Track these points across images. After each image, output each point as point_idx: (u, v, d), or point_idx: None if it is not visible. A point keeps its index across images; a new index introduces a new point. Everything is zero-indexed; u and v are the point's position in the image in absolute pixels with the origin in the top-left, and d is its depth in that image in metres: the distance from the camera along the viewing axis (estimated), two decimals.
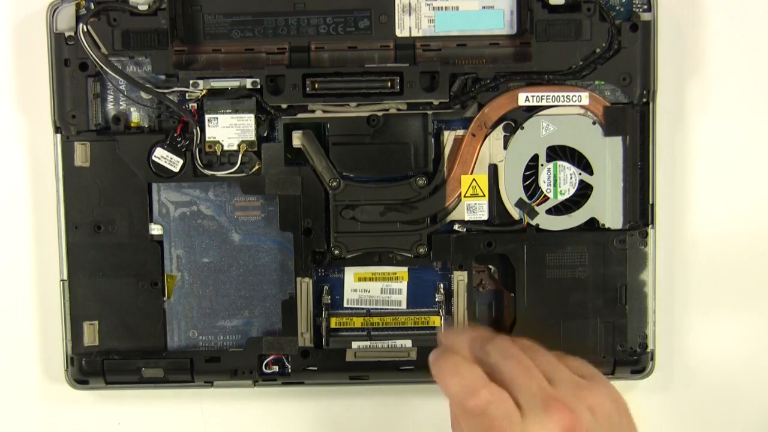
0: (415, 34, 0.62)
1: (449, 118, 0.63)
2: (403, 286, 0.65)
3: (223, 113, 0.62)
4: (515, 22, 0.62)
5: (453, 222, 0.63)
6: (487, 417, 0.47)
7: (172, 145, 0.62)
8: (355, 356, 0.63)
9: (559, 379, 0.49)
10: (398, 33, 0.62)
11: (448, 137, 0.62)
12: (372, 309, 0.65)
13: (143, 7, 0.61)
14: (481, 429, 0.47)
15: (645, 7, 0.62)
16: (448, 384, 0.48)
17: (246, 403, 0.67)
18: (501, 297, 0.65)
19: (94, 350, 0.63)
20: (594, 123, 0.62)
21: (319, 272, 0.65)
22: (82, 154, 0.62)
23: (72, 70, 0.61)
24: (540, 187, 0.63)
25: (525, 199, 0.63)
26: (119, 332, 0.63)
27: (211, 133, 0.62)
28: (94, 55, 0.61)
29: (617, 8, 0.62)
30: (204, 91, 0.61)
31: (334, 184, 0.62)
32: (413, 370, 0.63)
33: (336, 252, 0.63)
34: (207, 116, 0.62)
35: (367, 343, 0.64)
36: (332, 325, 0.65)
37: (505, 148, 0.63)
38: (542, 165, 0.63)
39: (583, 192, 0.63)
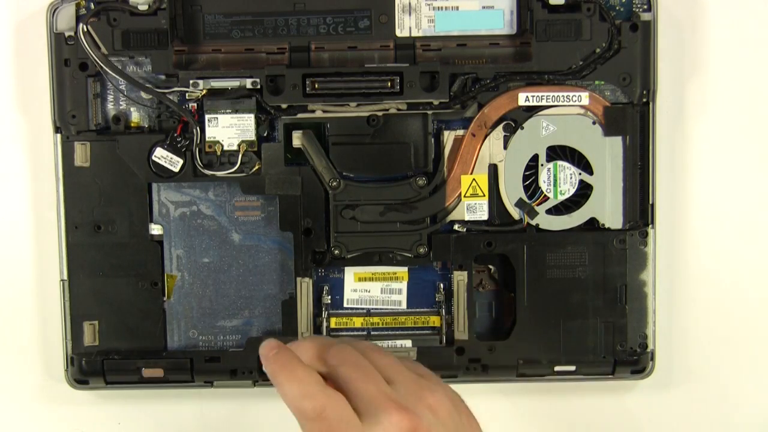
0: (415, 34, 0.62)
1: (449, 118, 0.63)
2: (403, 286, 0.65)
3: (223, 113, 0.62)
4: (515, 22, 0.62)
5: (453, 222, 0.63)
6: (325, 421, 0.46)
7: (172, 145, 0.62)
8: None
9: (399, 380, 0.48)
10: (398, 33, 0.62)
11: (448, 137, 0.62)
12: (372, 309, 0.65)
13: (143, 7, 0.61)
14: None
15: (645, 7, 0.62)
16: (284, 387, 0.47)
17: (246, 403, 0.67)
18: (501, 297, 0.65)
19: (94, 350, 0.63)
20: (594, 123, 0.62)
21: (319, 272, 0.65)
22: (82, 154, 0.62)
23: (72, 70, 0.61)
24: (540, 187, 0.63)
25: (525, 199, 0.63)
26: (119, 332, 0.63)
27: (211, 133, 0.62)
28: (94, 55, 0.61)
29: (617, 8, 0.62)
30: (204, 91, 0.61)
31: (334, 184, 0.62)
32: None
33: (336, 252, 0.63)
34: (207, 116, 0.62)
35: None
36: (332, 325, 0.65)
37: (505, 148, 0.63)
38: (542, 165, 0.63)
39: (583, 192, 0.63)
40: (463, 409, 0.50)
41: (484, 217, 0.63)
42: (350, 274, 0.65)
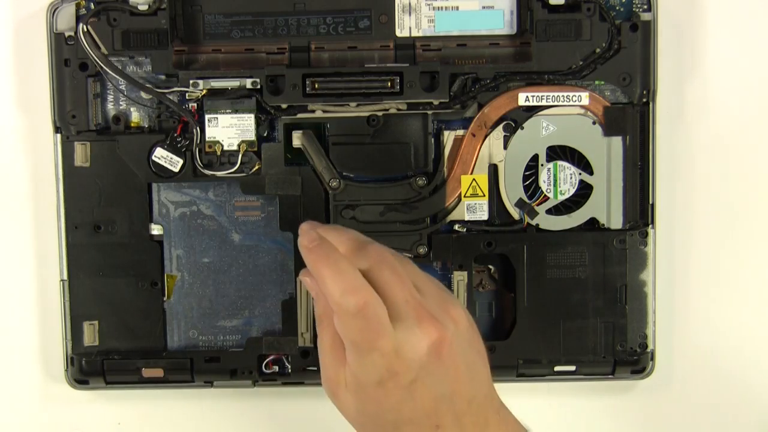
0: (415, 34, 0.62)
1: (449, 118, 0.63)
2: None
3: (223, 113, 0.62)
4: (515, 22, 0.62)
5: (453, 222, 0.63)
6: (363, 318, 0.46)
7: (172, 145, 0.62)
8: None
9: (427, 291, 0.49)
10: (398, 33, 0.62)
11: (448, 137, 0.62)
12: None
13: (143, 7, 0.61)
14: (355, 329, 0.47)
15: (645, 7, 0.62)
16: (326, 279, 0.47)
17: (246, 403, 0.67)
18: (501, 297, 0.65)
19: (94, 350, 0.63)
20: (594, 123, 0.62)
21: None
22: (82, 154, 0.62)
23: (72, 70, 0.61)
24: (540, 187, 0.63)
25: (525, 199, 0.63)
26: (119, 332, 0.63)
27: (211, 133, 0.62)
28: (94, 55, 0.61)
29: (617, 8, 0.62)
30: (204, 91, 0.61)
31: (334, 184, 0.62)
32: None
33: None
34: (207, 116, 0.62)
35: None
36: None
37: (505, 148, 0.63)
38: (542, 165, 0.63)
39: (583, 192, 0.63)
40: (474, 326, 0.51)
41: (484, 217, 0.63)
42: None
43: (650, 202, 0.63)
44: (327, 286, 0.47)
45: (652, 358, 0.64)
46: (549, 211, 0.63)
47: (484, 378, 0.50)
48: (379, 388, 0.47)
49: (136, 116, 0.63)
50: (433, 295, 0.49)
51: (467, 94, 0.62)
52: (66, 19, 0.61)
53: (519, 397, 0.67)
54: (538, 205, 0.63)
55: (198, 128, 0.62)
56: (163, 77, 0.62)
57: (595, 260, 0.63)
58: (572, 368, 0.64)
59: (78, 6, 0.61)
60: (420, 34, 0.62)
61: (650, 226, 0.63)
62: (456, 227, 0.63)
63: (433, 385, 0.47)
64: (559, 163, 0.63)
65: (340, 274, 0.47)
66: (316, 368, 0.63)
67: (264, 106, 0.61)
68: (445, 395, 0.48)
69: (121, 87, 0.62)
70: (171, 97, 0.62)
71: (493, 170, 0.63)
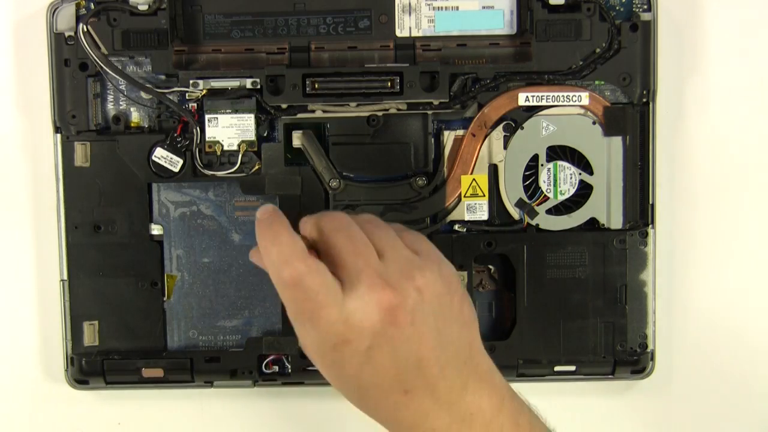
0: (415, 34, 0.62)
1: (449, 118, 0.63)
2: None
3: (223, 113, 0.62)
4: (515, 22, 0.62)
5: (453, 222, 0.63)
6: (302, 289, 0.46)
7: (172, 145, 0.62)
8: None
9: (392, 256, 0.48)
10: (398, 33, 0.62)
11: (448, 137, 0.62)
12: None
13: (143, 7, 0.61)
14: (296, 301, 0.46)
15: (645, 7, 0.62)
16: (266, 251, 0.47)
17: (246, 403, 0.67)
18: (501, 297, 0.65)
19: (94, 350, 0.63)
20: (594, 123, 0.62)
21: None
22: (82, 154, 0.62)
23: (72, 70, 0.61)
24: (540, 187, 0.63)
25: (525, 199, 0.63)
26: (119, 332, 0.63)
27: (211, 133, 0.62)
28: (94, 55, 0.61)
29: (617, 8, 0.62)
30: (204, 91, 0.61)
31: (334, 184, 0.62)
32: None
33: None
34: (207, 116, 0.62)
35: None
36: None
37: (505, 148, 0.63)
38: (542, 165, 0.63)
39: (583, 192, 0.63)
40: (456, 289, 0.49)
41: (484, 217, 0.63)
42: None
43: (650, 202, 0.63)
44: (265, 258, 0.47)
45: (652, 358, 0.64)
46: (549, 211, 0.63)
47: (463, 344, 0.49)
48: (336, 353, 0.47)
49: (136, 116, 0.63)
50: (397, 261, 0.48)
51: (467, 94, 0.62)
52: (66, 19, 0.61)
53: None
54: (538, 205, 0.63)
55: (198, 128, 0.62)
56: (163, 77, 0.62)
57: (595, 260, 0.63)
58: (572, 368, 0.64)
59: (78, 6, 0.61)
60: (420, 34, 0.62)
61: (650, 226, 0.63)
62: (456, 227, 0.63)
63: (392, 351, 0.47)
64: (559, 163, 0.63)
65: (278, 244, 0.46)
66: (316, 368, 0.63)
67: (264, 106, 0.61)
68: (409, 360, 0.47)
69: (121, 87, 0.62)
70: (171, 97, 0.62)
71: (493, 170, 0.63)
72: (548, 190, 0.63)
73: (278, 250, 0.47)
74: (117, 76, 0.61)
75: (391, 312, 0.46)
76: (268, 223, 0.48)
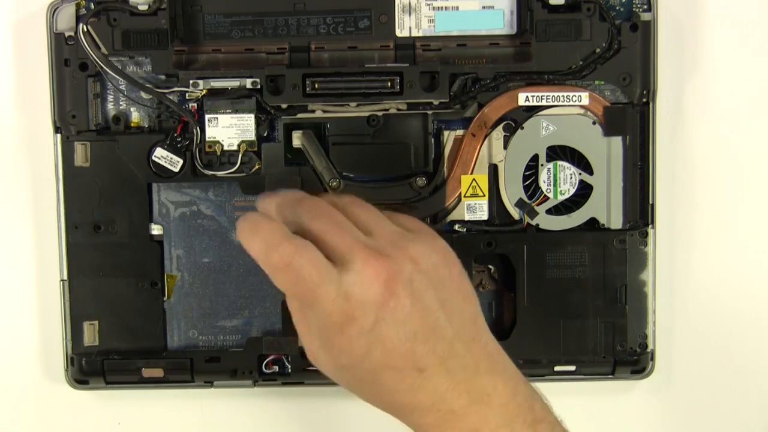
0: (415, 34, 0.62)
1: (449, 118, 0.63)
2: None
3: (223, 113, 0.62)
4: (515, 22, 0.62)
5: (453, 222, 0.63)
6: (294, 269, 0.45)
7: (172, 145, 0.62)
8: None
9: (380, 232, 0.47)
10: (398, 33, 0.62)
11: (448, 137, 0.62)
12: None
13: (143, 7, 0.61)
14: (290, 284, 0.45)
15: (645, 7, 0.62)
16: (250, 244, 0.46)
17: (246, 403, 0.67)
18: (501, 297, 0.65)
19: (94, 350, 0.63)
20: (594, 123, 0.62)
21: None
22: (82, 154, 0.62)
23: (72, 70, 0.61)
24: (540, 187, 0.63)
25: (525, 199, 0.63)
26: (119, 332, 0.63)
27: (211, 133, 0.62)
28: (94, 55, 0.61)
29: (617, 8, 0.62)
30: (204, 91, 0.61)
31: (334, 184, 0.62)
32: None
33: None
34: (207, 116, 0.62)
35: None
36: None
37: (505, 148, 0.63)
38: (542, 165, 0.63)
39: (583, 192, 0.63)
40: (454, 263, 0.49)
41: (484, 217, 0.63)
42: None
43: (650, 202, 0.63)
44: (251, 250, 0.46)
45: (652, 358, 0.64)
46: (549, 211, 0.63)
47: (467, 318, 0.48)
48: (343, 336, 0.46)
49: (136, 116, 0.63)
50: (386, 236, 0.47)
51: (467, 94, 0.62)
52: (66, 19, 0.61)
53: None
54: (538, 205, 0.63)
55: (198, 128, 0.62)
56: (163, 77, 0.62)
57: (595, 260, 0.63)
58: (572, 368, 0.64)
59: (78, 6, 0.61)
60: (420, 34, 0.63)
61: (650, 226, 0.63)
62: (456, 227, 0.63)
63: (399, 324, 0.46)
64: (559, 163, 0.63)
65: (259, 233, 0.46)
66: (316, 368, 0.63)
67: (264, 106, 0.61)
68: (417, 334, 0.46)
69: (121, 87, 0.62)
70: (171, 97, 0.62)
71: (493, 170, 0.63)
72: (548, 190, 0.63)
73: (261, 237, 0.46)
74: (117, 76, 0.61)
75: (390, 282, 0.45)
76: (244, 219, 0.47)
